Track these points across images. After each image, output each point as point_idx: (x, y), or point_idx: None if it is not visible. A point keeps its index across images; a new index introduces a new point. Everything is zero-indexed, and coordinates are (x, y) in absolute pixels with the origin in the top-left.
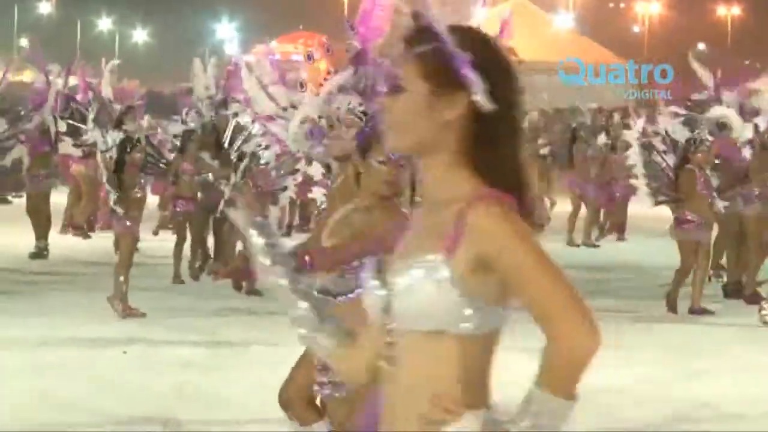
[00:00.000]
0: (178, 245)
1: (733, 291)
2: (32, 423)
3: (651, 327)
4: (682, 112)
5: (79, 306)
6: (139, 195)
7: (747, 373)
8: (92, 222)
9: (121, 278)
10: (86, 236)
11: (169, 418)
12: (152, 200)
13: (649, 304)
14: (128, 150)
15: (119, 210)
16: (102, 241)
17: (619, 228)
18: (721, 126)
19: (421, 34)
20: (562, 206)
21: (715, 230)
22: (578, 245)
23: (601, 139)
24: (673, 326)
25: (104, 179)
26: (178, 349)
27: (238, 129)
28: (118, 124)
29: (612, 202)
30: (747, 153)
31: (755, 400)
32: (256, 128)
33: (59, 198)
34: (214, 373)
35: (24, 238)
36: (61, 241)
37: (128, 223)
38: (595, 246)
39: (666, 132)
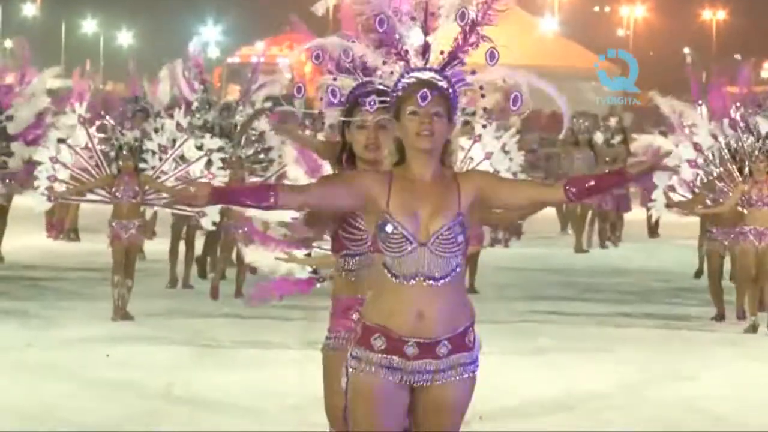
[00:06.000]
0: (173, 249)
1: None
2: (16, 421)
3: (637, 331)
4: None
5: (67, 308)
6: (133, 201)
7: (732, 377)
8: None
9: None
10: (75, 239)
11: (156, 419)
12: None
13: (636, 308)
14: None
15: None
16: (88, 245)
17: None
18: None
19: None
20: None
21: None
22: (587, 251)
23: (598, 137)
24: (658, 331)
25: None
26: (166, 351)
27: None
28: None
29: (627, 206)
30: None
31: (741, 402)
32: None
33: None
34: (202, 374)
35: (9, 240)
36: (49, 245)
37: (116, 230)
38: (585, 251)
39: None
